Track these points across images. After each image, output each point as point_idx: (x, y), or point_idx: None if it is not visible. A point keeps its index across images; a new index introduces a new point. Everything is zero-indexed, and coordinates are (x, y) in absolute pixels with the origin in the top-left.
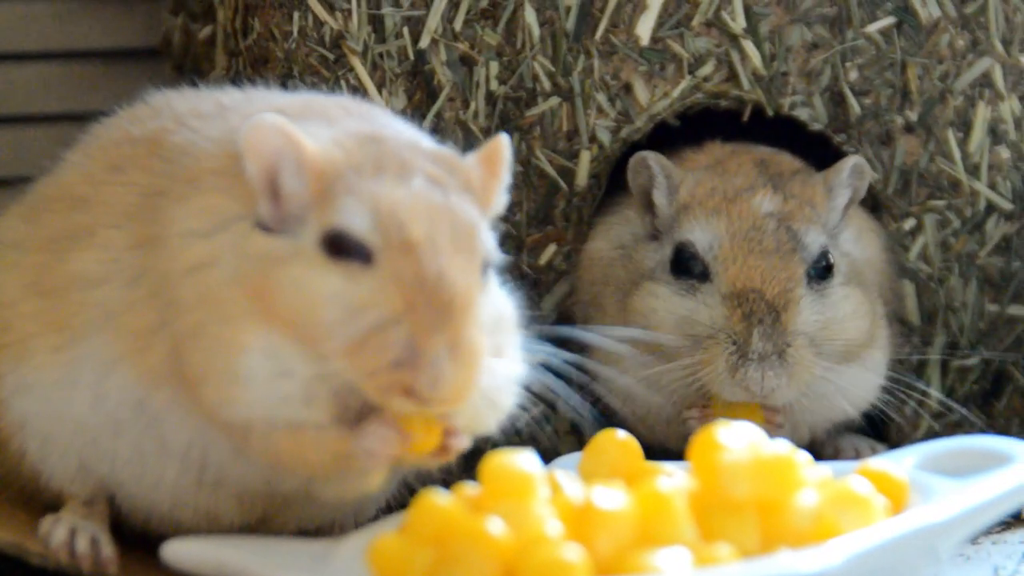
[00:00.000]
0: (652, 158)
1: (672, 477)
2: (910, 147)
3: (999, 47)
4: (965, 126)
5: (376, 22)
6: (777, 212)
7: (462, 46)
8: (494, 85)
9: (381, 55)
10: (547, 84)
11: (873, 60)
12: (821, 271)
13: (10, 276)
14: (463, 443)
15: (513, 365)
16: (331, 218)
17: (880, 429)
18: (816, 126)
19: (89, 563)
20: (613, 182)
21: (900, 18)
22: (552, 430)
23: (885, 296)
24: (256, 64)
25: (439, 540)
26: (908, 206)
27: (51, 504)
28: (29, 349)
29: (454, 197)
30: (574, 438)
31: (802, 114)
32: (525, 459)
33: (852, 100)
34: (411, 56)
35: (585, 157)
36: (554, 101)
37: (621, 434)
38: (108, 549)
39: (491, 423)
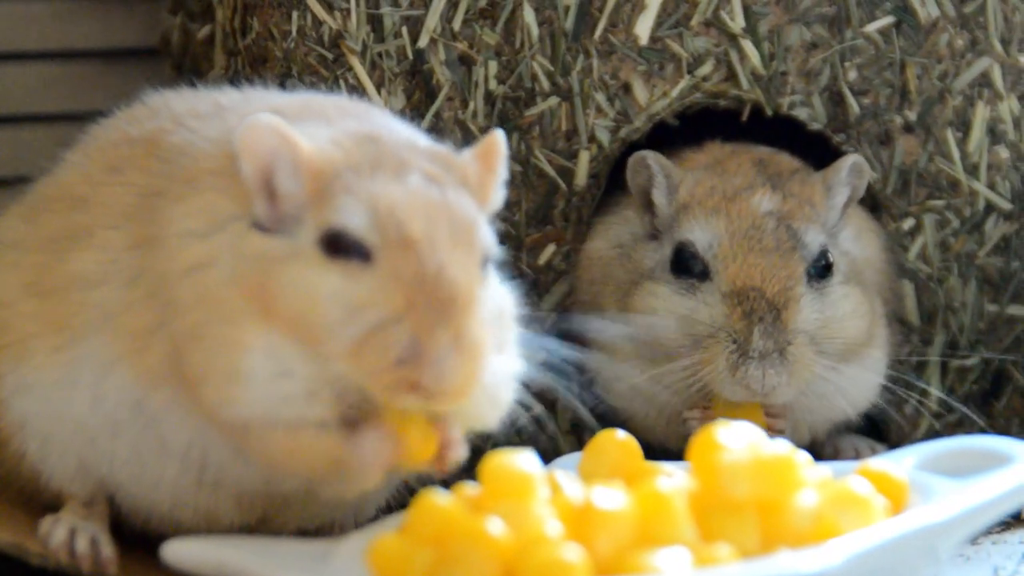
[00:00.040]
0: (651, 158)
1: (672, 477)
2: (909, 147)
3: (998, 47)
4: (964, 126)
5: (375, 21)
6: (776, 211)
7: (461, 46)
8: (493, 85)
9: (380, 55)
10: (546, 84)
11: (872, 60)
12: (821, 270)
13: (10, 276)
14: (460, 454)
15: (512, 361)
16: (329, 217)
17: (880, 429)
18: (815, 126)
19: (89, 563)
20: (612, 182)
21: (899, 18)
22: (552, 430)
23: (884, 296)
24: (255, 64)
25: (439, 540)
26: (907, 206)
27: (51, 504)
28: (29, 349)
29: (451, 193)
30: (574, 438)
31: (801, 114)
32: (525, 459)
33: (851, 100)
34: (410, 56)
35: (584, 157)
36: (553, 101)
37: (621, 434)
38: (108, 549)
39: (492, 419)
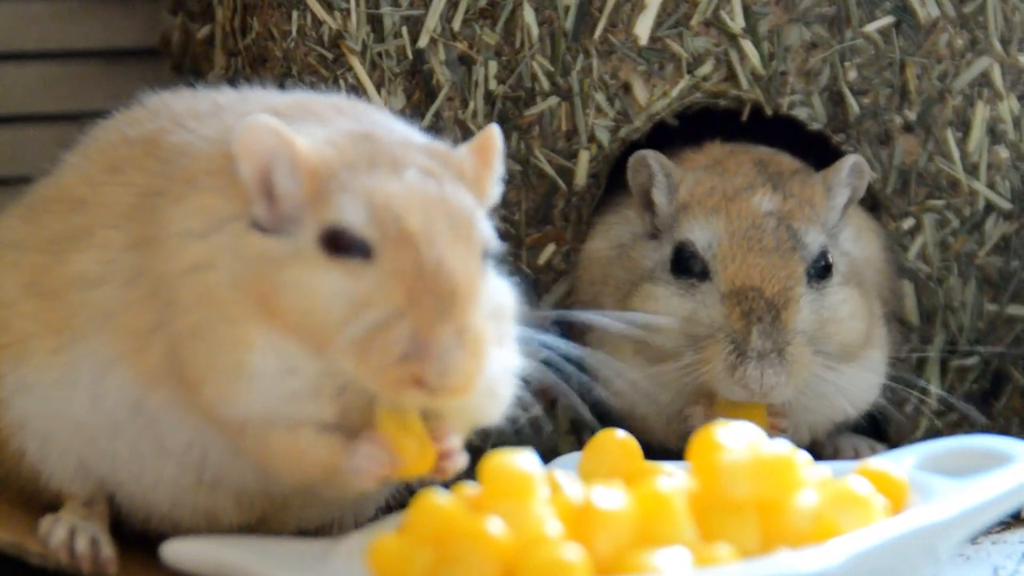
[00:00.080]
0: (652, 157)
1: (672, 477)
2: (909, 147)
3: (998, 46)
4: (964, 126)
5: (375, 21)
6: (776, 211)
7: (461, 45)
8: (493, 84)
9: (380, 54)
10: (546, 84)
11: (872, 60)
12: (820, 270)
13: (9, 276)
14: (459, 463)
15: (512, 356)
16: (328, 215)
17: (880, 429)
18: (815, 126)
19: (89, 563)
20: (612, 182)
21: (899, 18)
22: (551, 429)
23: (884, 296)
24: (255, 64)
25: (439, 540)
26: (907, 206)
27: (51, 504)
28: (28, 349)
29: (449, 187)
30: (574, 438)
31: (801, 114)
32: (525, 459)
33: (851, 99)
34: (410, 55)
35: (584, 157)
36: (553, 101)
37: (621, 434)
38: (108, 549)
39: (492, 415)
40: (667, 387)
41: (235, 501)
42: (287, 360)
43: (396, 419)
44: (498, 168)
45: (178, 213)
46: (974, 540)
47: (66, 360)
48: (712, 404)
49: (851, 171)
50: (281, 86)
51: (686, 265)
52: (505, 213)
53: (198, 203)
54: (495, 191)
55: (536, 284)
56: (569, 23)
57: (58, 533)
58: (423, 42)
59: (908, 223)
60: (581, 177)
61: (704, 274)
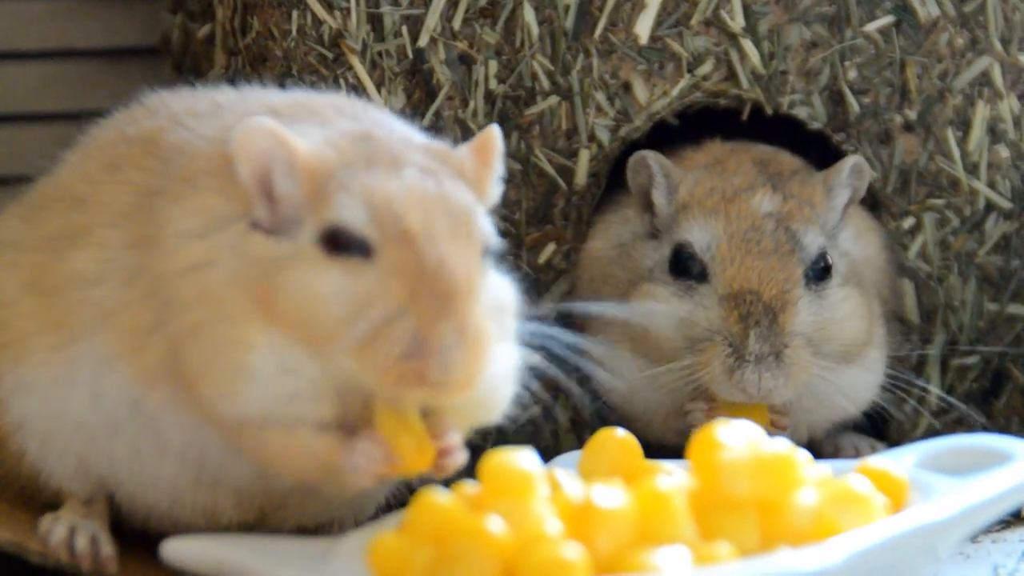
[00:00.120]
0: (651, 157)
1: (671, 476)
2: (909, 146)
3: (998, 46)
4: (964, 125)
5: (375, 21)
6: (776, 212)
7: (461, 45)
8: (493, 84)
9: (380, 54)
10: (546, 83)
11: (872, 59)
12: (819, 272)
13: (8, 275)
14: (459, 461)
15: (513, 353)
16: (327, 215)
17: (880, 428)
18: (815, 125)
19: (88, 561)
20: (612, 181)
21: (899, 17)
22: (552, 428)
23: (884, 295)
24: (255, 63)
25: (439, 539)
26: (907, 205)
27: (51, 503)
28: (28, 348)
29: (448, 185)
30: (573, 436)
31: (801, 113)
32: (525, 458)
33: (851, 99)
34: (410, 55)
35: (584, 156)
36: (553, 100)
37: (620, 432)
38: (107, 547)
39: (494, 412)
40: (666, 388)
41: (234, 499)
42: (286, 360)
43: (395, 417)
44: (498, 168)
45: (177, 212)
46: (974, 539)
47: (65, 359)
48: (712, 402)
49: (852, 172)
50: (281, 85)
51: (684, 266)
52: (505, 212)
53: (197, 202)
54: (495, 191)
55: (536, 283)
56: (569, 22)
57: (58, 531)
58: (423, 41)
59: (908, 222)
60: (581, 176)
61: (702, 276)
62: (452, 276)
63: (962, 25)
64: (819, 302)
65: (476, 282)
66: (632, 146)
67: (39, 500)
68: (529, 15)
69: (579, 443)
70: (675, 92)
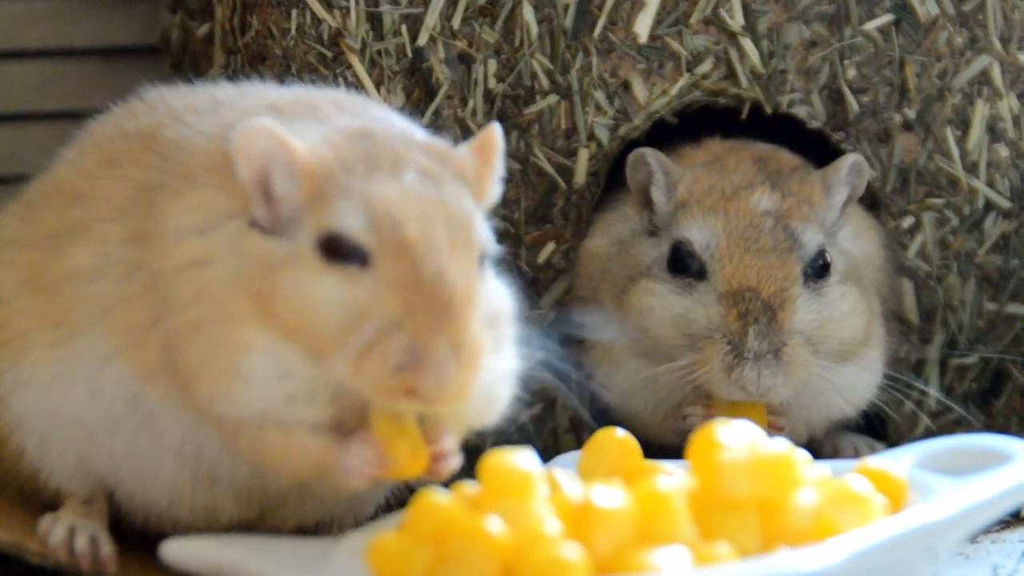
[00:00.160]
0: (651, 155)
1: (671, 476)
2: (908, 145)
3: (997, 45)
4: (963, 124)
5: (374, 20)
6: (775, 210)
7: (460, 44)
8: (492, 83)
9: (379, 53)
10: (545, 82)
11: (871, 58)
12: (818, 270)
13: (7, 273)
14: (453, 465)
15: (510, 359)
16: (326, 220)
17: (879, 428)
18: (814, 124)
19: (88, 562)
20: (612, 179)
21: (898, 16)
22: (551, 428)
23: (883, 294)
24: (254, 62)
25: (438, 539)
26: (906, 204)
27: (50, 503)
28: (26, 345)
29: (448, 190)
30: (573, 436)
31: (800, 112)
32: (524, 458)
33: (850, 98)
34: (409, 54)
35: (583, 155)
36: (552, 99)
37: (620, 433)
38: (107, 547)
39: (488, 417)
40: (665, 387)
41: (233, 497)
42: (283, 363)
43: (390, 420)
44: (499, 168)
45: (176, 208)
46: (974, 539)
47: (64, 355)
48: (711, 401)
49: (850, 170)
50: (280, 83)
51: (683, 264)
52: (504, 212)
53: (196, 199)
54: (495, 191)
55: (535, 282)
56: (568, 21)
57: (57, 532)
58: (422, 40)
59: (907, 221)
60: (580, 175)
61: (701, 273)
62: (449, 288)
63: (961, 24)
64: (818, 300)
65: (473, 293)
66: (631, 145)
67: (38, 500)
68: (528, 14)
69: (578, 443)
70: (674, 91)
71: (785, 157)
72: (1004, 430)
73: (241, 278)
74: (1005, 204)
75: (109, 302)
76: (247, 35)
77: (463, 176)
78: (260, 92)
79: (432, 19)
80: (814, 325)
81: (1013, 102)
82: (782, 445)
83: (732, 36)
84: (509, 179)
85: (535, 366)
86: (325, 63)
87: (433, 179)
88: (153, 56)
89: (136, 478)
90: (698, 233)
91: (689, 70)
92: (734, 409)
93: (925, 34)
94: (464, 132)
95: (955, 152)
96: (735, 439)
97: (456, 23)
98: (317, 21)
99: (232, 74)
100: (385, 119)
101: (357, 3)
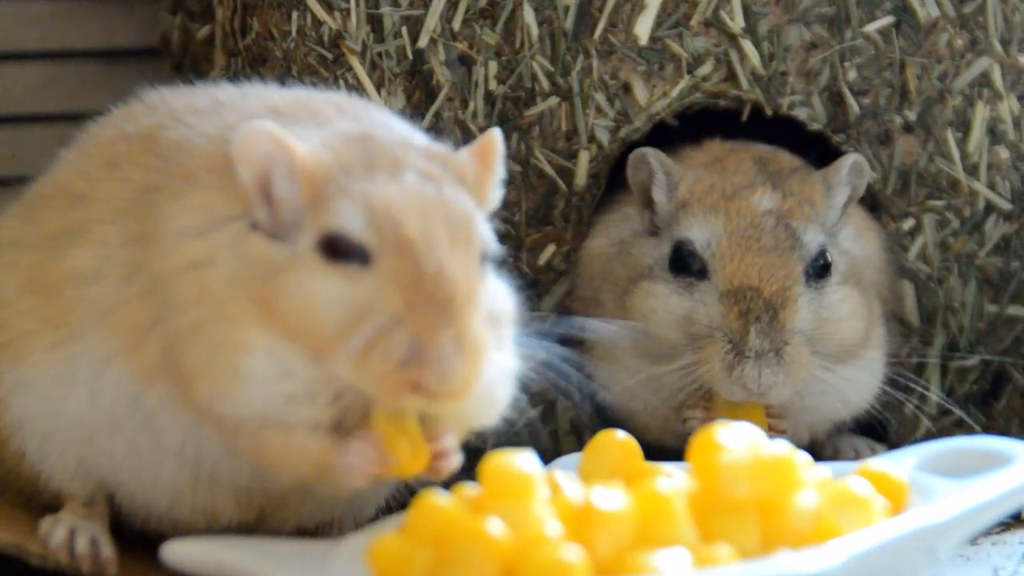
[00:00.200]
0: (652, 155)
1: (672, 478)
2: (909, 147)
3: (998, 47)
4: (964, 126)
5: (375, 22)
6: (776, 210)
7: (461, 46)
8: (493, 85)
9: (380, 55)
10: (546, 84)
11: (872, 60)
12: (819, 270)
13: (7, 275)
14: (453, 464)
15: (510, 359)
16: (326, 221)
17: (879, 430)
18: (815, 126)
19: (89, 563)
20: (612, 181)
21: (899, 18)
22: (551, 430)
23: (883, 295)
24: (255, 64)
25: (439, 541)
26: (907, 206)
27: (51, 505)
28: (27, 347)
29: (448, 190)
30: (573, 438)
31: (801, 114)
32: (525, 459)
33: (851, 100)
34: (410, 56)
35: (584, 157)
36: (553, 101)
37: (621, 434)
38: (107, 549)
39: (489, 417)
40: (666, 388)
41: (233, 498)
42: (284, 364)
43: (391, 419)
44: (499, 172)
45: (176, 209)
46: (974, 541)
47: (64, 356)
48: (711, 405)
49: (851, 170)
50: (281, 84)
51: (684, 263)
52: (505, 214)
53: (197, 200)
54: (496, 195)
55: (536, 284)
56: (569, 23)
57: (58, 533)
58: (423, 42)
59: (908, 223)
60: (581, 177)
61: (702, 273)
62: (450, 284)
63: (962, 26)
64: (819, 300)
65: (475, 290)
66: (632, 147)
67: (39, 502)
68: (529, 16)
69: (579, 445)
70: (675, 93)
71: (785, 158)
72: (1004, 432)
73: (241, 280)
74: (1006, 206)
75: (109, 304)
76: (247, 37)
77: (463, 180)
78: (261, 94)
79: (432, 21)
80: (815, 325)
81: (1014, 104)
82: (782, 447)
83: (732, 38)
84: (510, 181)
85: (536, 368)
86: (326, 65)
87: (433, 180)
88: (153, 58)
89: (136, 479)
90: (699, 232)
91: (689, 72)
92: (734, 411)
93: (926, 36)
94: (465, 134)
95: (956, 154)
96: (735, 441)
97: (457, 25)
98: (318, 23)
99: (233, 76)
100: (385, 123)
101: (358, 5)
